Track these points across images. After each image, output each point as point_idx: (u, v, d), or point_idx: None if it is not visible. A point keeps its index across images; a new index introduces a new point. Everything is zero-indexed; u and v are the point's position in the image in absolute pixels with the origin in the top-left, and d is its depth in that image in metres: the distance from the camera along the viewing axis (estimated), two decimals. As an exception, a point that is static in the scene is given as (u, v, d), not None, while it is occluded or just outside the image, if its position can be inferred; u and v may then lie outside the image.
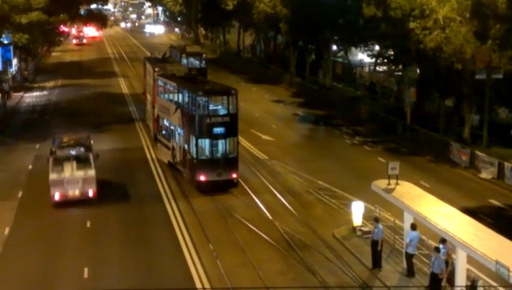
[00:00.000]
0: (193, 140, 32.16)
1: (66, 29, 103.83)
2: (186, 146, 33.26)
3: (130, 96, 61.30)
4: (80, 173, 30.29)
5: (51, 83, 72.43)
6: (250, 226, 27.66)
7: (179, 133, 34.70)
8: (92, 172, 30.41)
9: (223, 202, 30.93)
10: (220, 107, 33.39)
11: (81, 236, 27.40)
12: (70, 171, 30.26)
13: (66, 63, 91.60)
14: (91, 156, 30.89)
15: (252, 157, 39.46)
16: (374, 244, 23.36)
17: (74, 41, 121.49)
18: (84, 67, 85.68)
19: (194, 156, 32.12)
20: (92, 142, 33.66)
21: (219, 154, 32.26)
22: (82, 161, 30.75)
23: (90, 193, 30.39)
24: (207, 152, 32.16)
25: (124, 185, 34.14)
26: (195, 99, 32.23)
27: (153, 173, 36.20)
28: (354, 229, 26.63)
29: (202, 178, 31.92)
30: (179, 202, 31.15)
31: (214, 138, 32.02)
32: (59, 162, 30.57)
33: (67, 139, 32.90)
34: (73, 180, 30.20)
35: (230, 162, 32.24)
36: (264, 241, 26.15)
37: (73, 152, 30.90)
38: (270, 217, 28.84)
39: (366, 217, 26.90)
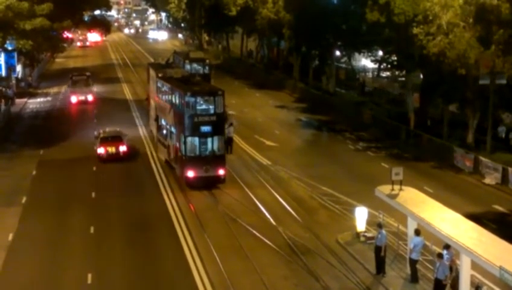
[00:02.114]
0: (182, 138, 33.46)
1: (70, 35, 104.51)
2: (177, 144, 34.65)
3: (134, 102, 61.35)
4: (85, 88, 61.10)
5: (54, 89, 72.56)
6: (254, 231, 27.64)
7: (172, 132, 36.15)
8: (92, 88, 62.29)
9: (226, 207, 30.95)
10: (207, 107, 34.33)
11: (84, 240, 27.44)
12: (80, 86, 61.27)
13: (70, 69, 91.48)
14: (90, 80, 62.70)
15: (256, 162, 39.45)
16: (378, 250, 23.31)
17: (78, 44, 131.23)
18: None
19: (183, 153, 33.45)
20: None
21: (207, 152, 33.53)
22: (86, 82, 61.81)
23: (90, 98, 61.02)
24: (195, 149, 33.47)
25: (126, 187, 34.75)
26: (185, 99, 33.46)
27: (155, 175, 36.49)
28: (357, 234, 26.59)
29: (190, 174, 33.27)
30: (181, 205, 31.28)
31: (202, 136, 33.40)
32: (74, 83, 61.77)
33: (77, 73, 67.10)
34: (82, 91, 61.15)
35: (217, 159, 33.63)
36: (268, 247, 26.12)
37: (81, 76, 63.74)
38: (274, 223, 28.83)
39: (370, 222, 26.84)
